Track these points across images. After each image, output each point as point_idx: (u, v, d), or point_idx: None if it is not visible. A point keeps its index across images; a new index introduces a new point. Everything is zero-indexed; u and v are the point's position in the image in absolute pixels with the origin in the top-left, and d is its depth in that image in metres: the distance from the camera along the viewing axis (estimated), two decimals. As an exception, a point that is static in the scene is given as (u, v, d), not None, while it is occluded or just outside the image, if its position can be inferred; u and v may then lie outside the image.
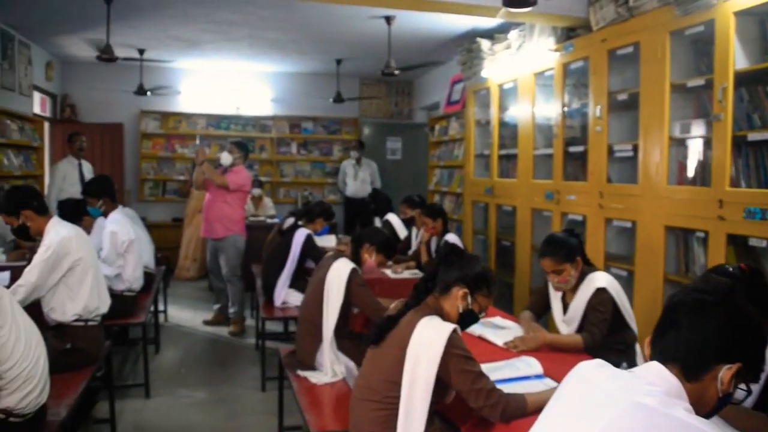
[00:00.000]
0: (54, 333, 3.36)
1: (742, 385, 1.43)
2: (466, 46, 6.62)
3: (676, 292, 1.50)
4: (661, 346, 1.44)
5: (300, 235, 5.00)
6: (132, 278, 4.51)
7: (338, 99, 9.20)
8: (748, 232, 3.27)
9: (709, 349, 1.39)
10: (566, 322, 3.26)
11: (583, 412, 1.39)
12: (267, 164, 10.12)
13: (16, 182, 6.35)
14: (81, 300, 3.42)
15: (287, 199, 10.11)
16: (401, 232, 6.13)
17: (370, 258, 3.60)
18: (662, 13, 3.83)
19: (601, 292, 3.10)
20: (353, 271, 3.42)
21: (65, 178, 7.05)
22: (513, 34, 5.76)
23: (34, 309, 3.17)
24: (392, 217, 6.33)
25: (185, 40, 7.61)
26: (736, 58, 3.34)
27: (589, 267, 3.29)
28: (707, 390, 1.41)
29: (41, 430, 2.57)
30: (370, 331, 2.31)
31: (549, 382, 2.47)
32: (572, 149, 4.96)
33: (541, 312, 3.51)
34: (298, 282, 4.92)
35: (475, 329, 3.06)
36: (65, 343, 3.32)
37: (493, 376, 2.20)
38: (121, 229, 4.48)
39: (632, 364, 3.18)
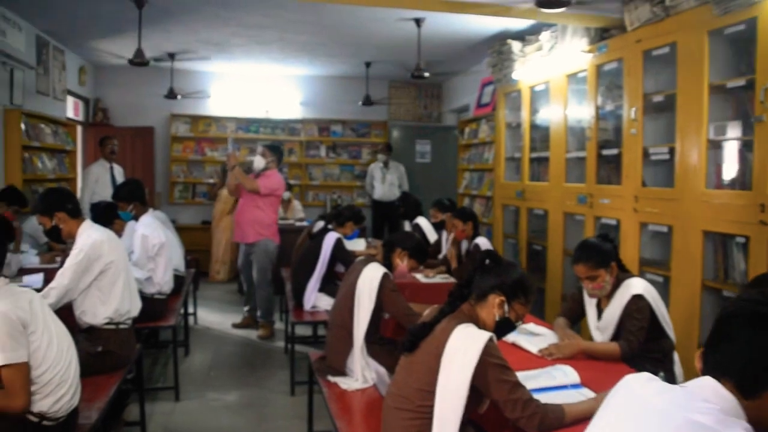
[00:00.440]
0: (85, 336, 3.38)
1: None
2: (497, 48, 6.56)
3: (728, 304, 1.42)
4: (714, 360, 1.36)
5: (330, 239, 4.98)
6: (162, 281, 4.52)
7: (367, 102, 9.19)
8: (791, 238, 3.17)
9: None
10: (600, 329, 3.19)
11: (633, 430, 1.33)
12: (296, 167, 10.13)
13: (50, 185, 6.44)
14: (112, 303, 3.43)
15: (316, 203, 10.12)
16: (431, 235, 6.08)
17: (402, 263, 3.55)
18: (700, 13, 3.74)
19: (637, 299, 3.02)
20: (385, 276, 3.37)
21: (97, 181, 7.12)
22: (545, 36, 5.68)
23: (65, 312, 3.19)
24: (422, 221, 6.28)
25: (216, 44, 7.65)
26: (780, 57, 3.24)
27: (624, 273, 3.22)
28: (767, 408, 1.32)
29: (73, 434, 2.58)
30: (404, 338, 2.26)
31: (586, 392, 2.41)
32: (606, 152, 4.87)
33: (576, 319, 3.43)
34: (327, 286, 4.90)
35: (509, 336, 2.98)
36: (96, 347, 3.32)
37: (528, 385, 2.14)
38: (152, 232, 4.50)
39: (669, 373, 3.11)
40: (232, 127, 9.89)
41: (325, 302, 4.81)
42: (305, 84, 10.00)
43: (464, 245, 5.33)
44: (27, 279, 4.39)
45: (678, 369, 3.17)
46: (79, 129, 8.55)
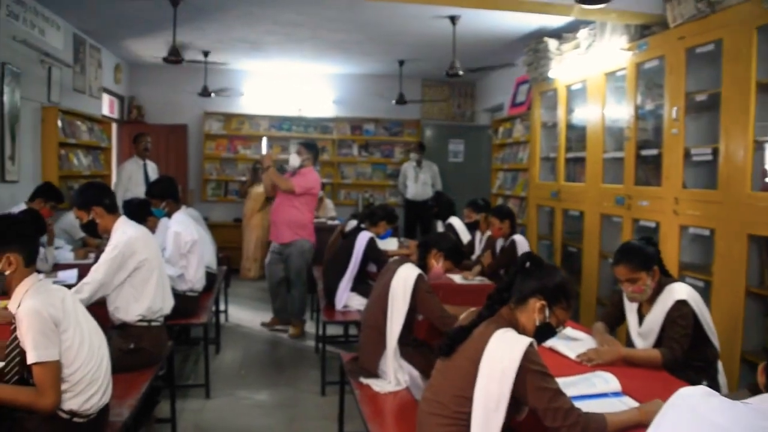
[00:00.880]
0: (118, 333, 3.38)
1: None
2: (533, 46, 6.47)
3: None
4: None
5: (363, 239, 4.94)
6: (195, 278, 4.51)
7: (401, 101, 9.13)
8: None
9: None
10: (642, 335, 3.09)
11: None
12: (328, 166, 10.12)
13: (84, 182, 6.49)
14: (145, 301, 3.42)
15: (348, 201, 10.10)
16: (464, 236, 5.99)
17: (437, 264, 3.48)
18: (747, 8, 3.62)
19: (681, 305, 2.92)
20: (419, 277, 3.30)
21: (130, 178, 7.17)
22: (582, 33, 5.58)
23: (98, 308, 3.18)
24: (455, 221, 6.20)
25: (249, 42, 7.66)
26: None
27: (667, 278, 3.11)
28: None
29: (104, 430, 2.56)
30: (441, 341, 2.19)
31: (628, 401, 2.32)
32: (645, 152, 4.76)
33: (615, 324, 3.35)
34: (360, 285, 4.86)
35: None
36: (129, 344, 3.32)
37: (567, 392, 2.06)
38: (184, 229, 4.50)
39: (713, 382, 3.00)
40: (264, 125, 9.92)
41: (357, 302, 4.77)
42: (338, 82, 9.99)
43: (499, 244, 5.25)
44: (61, 274, 4.43)
45: (722, 379, 3.06)
46: (114, 126, 8.67)
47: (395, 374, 3.20)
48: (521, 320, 2.17)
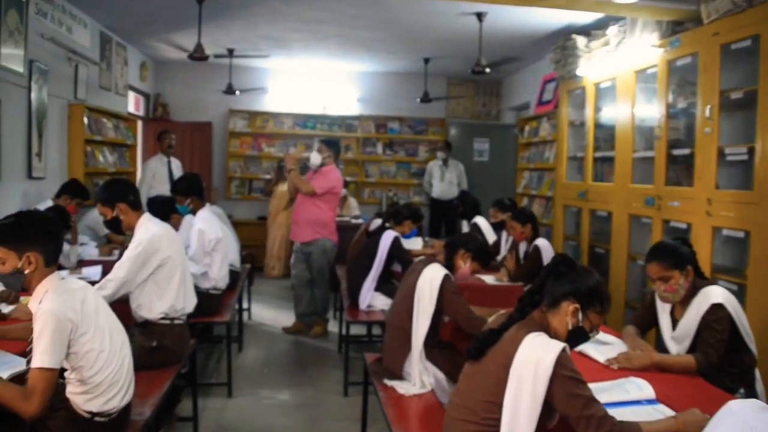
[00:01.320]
0: (140, 330, 3.36)
1: None
2: (561, 43, 6.36)
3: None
4: None
5: (387, 238, 4.88)
6: (218, 276, 4.49)
7: (425, 99, 9.06)
8: None
9: None
10: (675, 339, 3.00)
11: None
12: (352, 164, 10.08)
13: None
14: (168, 298, 3.40)
15: (372, 200, 10.05)
16: (490, 236, 5.89)
17: (464, 265, 3.41)
18: (787, 3, 3.50)
19: (717, 309, 2.83)
20: (446, 278, 3.24)
21: (154, 175, 7.20)
22: (612, 30, 5.47)
23: (121, 306, 3.16)
24: (481, 221, 6.10)
25: (274, 39, 7.64)
26: None
27: (702, 280, 3.02)
28: None
29: (125, 429, 2.54)
30: (469, 344, 2.12)
31: (663, 409, 2.24)
32: (676, 152, 4.64)
33: (646, 327, 3.26)
34: (384, 285, 4.81)
35: (575, 344, 2.84)
36: (151, 341, 3.30)
37: (599, 399, 1.99)
38: (209, 227, 4.48)
39: (750, 389, 2.90)
40: (289, 123, 9.92)
41: (381, 302, 4.72)
42: (363, 80, 9.94)
43: (523, 247, 5.16)
44: (85, 271, 4.45)
45: (759, 386, 2.95)
46: (139, 124, 8.70)
47: (420, 376, 3.14)
48: (553, 324, 2.10)
